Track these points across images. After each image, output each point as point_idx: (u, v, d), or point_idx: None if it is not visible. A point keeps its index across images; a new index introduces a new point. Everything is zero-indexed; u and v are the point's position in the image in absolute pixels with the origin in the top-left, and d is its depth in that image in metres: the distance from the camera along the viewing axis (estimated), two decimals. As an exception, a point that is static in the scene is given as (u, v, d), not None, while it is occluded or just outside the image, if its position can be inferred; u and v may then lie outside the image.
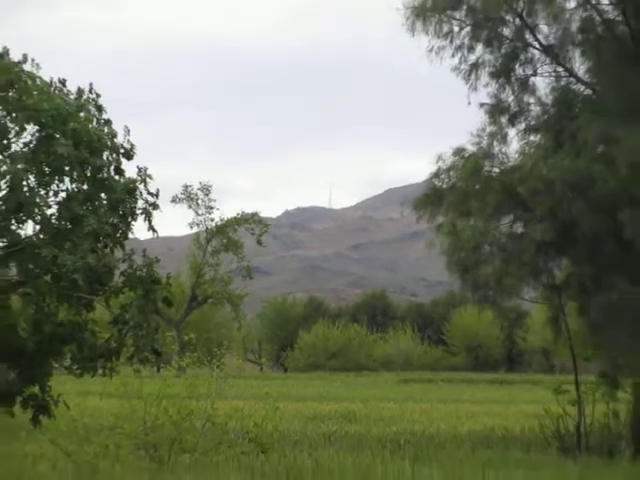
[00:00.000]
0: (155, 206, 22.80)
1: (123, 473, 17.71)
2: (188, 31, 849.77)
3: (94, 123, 22.03)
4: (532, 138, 30.23)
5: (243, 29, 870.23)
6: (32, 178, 21.23)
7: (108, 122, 22.39)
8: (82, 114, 21.79)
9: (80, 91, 22.37)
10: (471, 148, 29.63)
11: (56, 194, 21.72)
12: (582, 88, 30.57)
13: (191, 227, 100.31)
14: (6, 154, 21.08)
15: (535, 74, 30.70)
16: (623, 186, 25.54)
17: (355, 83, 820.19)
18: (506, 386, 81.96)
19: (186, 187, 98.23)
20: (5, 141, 21.11)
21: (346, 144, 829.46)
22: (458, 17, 29.83)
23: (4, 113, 21.14)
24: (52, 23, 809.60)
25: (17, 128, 21.28)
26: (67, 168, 21.52)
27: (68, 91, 22.21)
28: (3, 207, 20.79)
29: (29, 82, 21.53)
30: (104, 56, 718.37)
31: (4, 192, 20.81)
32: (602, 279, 27.78)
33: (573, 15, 29.93)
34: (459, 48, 30.05)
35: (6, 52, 21.77)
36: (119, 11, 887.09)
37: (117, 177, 22.24)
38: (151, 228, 22.85)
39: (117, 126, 22.55)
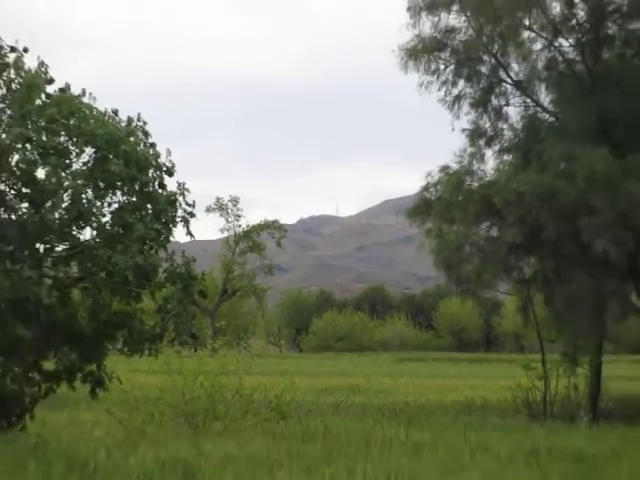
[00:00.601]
0: (192, 215, 22.69)
1: (166, 437, 17.70)
2: (222, 68, 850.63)
3: (141, 146, 21.95)
4: (505, 157, 30.29)
5: (269, 67, 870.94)
6: (90, 192, 21.16)
7: (153, 145, 22.31)
8: (131, 138, 21.71)
9: (130, 119, 22.28)
10: (454, 166, 29.68)
11: (110, 205, 21.63)
12: (547, 116, 30.58)
13: (222, 232, 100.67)
14: (68, 172, 21.00)
15: (508, 104, 30.76)
16: (581, 197, 25.52)
17: (360, 113, 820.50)
18: (484, 364, 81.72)
19: (218, 199, 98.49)
20: (67, 161, 21.05)
21: (351, 163, 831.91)
22: (443, 57, 29.87)
23: (67, 138, 21.09)
24: (106, 67, 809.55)
25: (77, 150, 21.20)
26: (119, 183, 21.45)
27: (120, 119, 22.14)
28: (66, 216, 20.73)
29: (87, 112, 21.46)
30: (151, 91, 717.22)
31: (66, 203, 20.77)
32: (564, 274, 27.74)
33: (539, 55, 30.01)
34: (444, 83, 30.11)
35: (68, 87, 21.71)
36: (164, 53, 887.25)
37: (160, 191, 22.15)
38: (189, 233, 22.75)
39: (160, 148, 22.50)
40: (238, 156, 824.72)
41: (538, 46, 29.82)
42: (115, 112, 22.30)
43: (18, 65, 21.36)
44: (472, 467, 13.14)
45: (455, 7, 29.32)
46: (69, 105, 21.25)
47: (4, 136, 20.28)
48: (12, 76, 21.29)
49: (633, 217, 25.49)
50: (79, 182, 20.91)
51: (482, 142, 30.44)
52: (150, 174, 21.95)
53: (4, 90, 21.23)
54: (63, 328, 21.30)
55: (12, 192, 20.87)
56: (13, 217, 20.86)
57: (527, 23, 28.81)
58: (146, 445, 15.44)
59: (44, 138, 20.72)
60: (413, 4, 29.66)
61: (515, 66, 30.25)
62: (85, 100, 21.84)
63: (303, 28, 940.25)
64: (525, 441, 16.61)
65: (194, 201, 22.99)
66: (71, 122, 21.06)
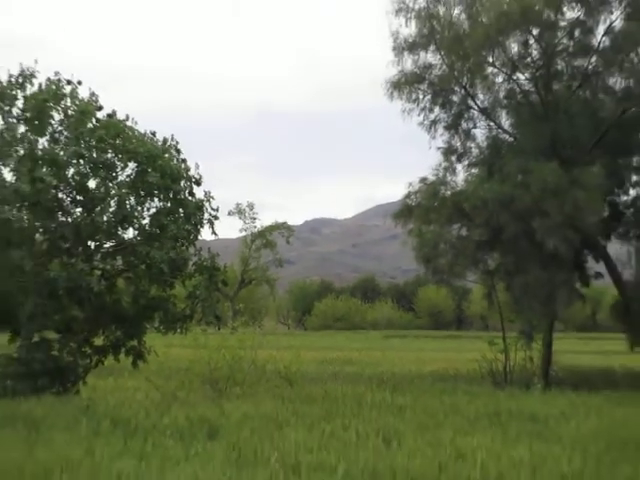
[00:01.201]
0: (216, 217, 22.73)
1: (194, 400, 17.74)
2: (243, 100, 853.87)
3: (174, 161, 21.98)
4: (473, 171, 30.27)
5: (284, 98, 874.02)
6: (132, 199, 21.20)
7: (184, 160, 22.35)
8: (166, 155, 21.77)
9: (165, 140, 22.33)
10: (431, 178, 29.66)
11: (148, 209, 21.68)
12: (507, 137, 30.60)
13: (240, 232, 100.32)
14: (114, 182, 21.08)
15: (475, 127, 30.78)
16: (535, 203, 25.56)
17: (357, 136, 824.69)
18: (455, 340, 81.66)
19: (237, 204, 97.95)
20: (114, 173, 21.12)
21: (348, 174, 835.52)
22: (422, 88, 29.85)
23: (113, 155, 21.14)
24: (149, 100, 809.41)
25: (122, 165, 21.26)
26: (156, 192, 21.49)
27: (157, 139, 22.19)
28: (112, 219, 20.79)
29: (130, 133, 21.51)
30: (190, 120, 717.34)
31: (113, 208, 20.83)
32: (521, 267, 27.72)
33: (500, 87, 30.08)
34: (423, 109, 30.08)
35: (114, 113, 21.77)
36: (196, 90, 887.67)
37: (190, 198, 22.17)
38: (213, 232, 22.80)
39: (190, 162, 22.55)
40: (255, 168, 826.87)
41: (500, 79, 29.88)
42: (153, 133, 22.35)
43: (73, 95, 21.42)
44: (446, 425, 13.18)
45: (431, 47, 29.33)
46: (115, 128, 21.31)
47: (62, 153, 20.34)
48: (68, 104, 21.35)
49: (578, 219, 25.57)
50: (123, 191, 20.97)
51: (454, 158, 30.46)
52: (182, 184, 22.00)
53: (62, 116, 21.30)
54: (110, 310, 21.36)
55: (68, 199, 20.94)
56: (69, 220, 20.93)
57: (490, 60, 28.81)
58: (178, 406, 15.49)
59: (95, 155, 20.78)
60: (397, 45, 29.69)
61: (481, 96, 30.27)
62: (128, 123, 21.92)
63: (315, 69, 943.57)
64: (489, 404, 16.65)
65: (218, 206, 23.07)
66: (117, 142, 21.12)
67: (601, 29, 28.76)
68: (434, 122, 30.28)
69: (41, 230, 20.97)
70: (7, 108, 21.02)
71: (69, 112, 21.35)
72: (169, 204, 21.83)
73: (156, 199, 21.78)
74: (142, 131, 22.06)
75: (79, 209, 21.06)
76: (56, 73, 21.45)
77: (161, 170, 21.19)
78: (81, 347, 21.08)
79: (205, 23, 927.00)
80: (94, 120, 21.41)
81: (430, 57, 29.67)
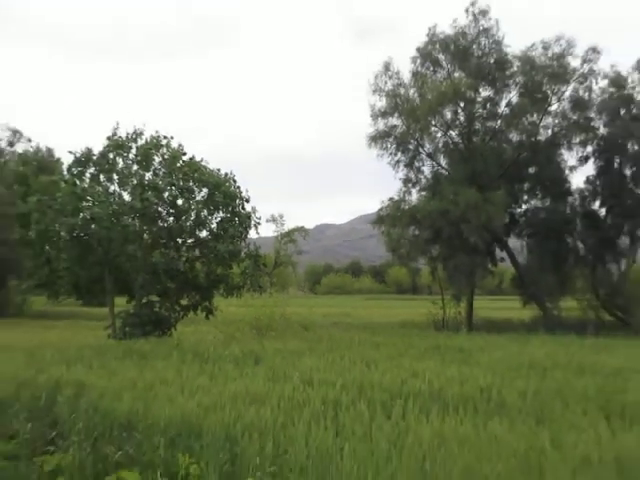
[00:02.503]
0: (259, 223, 22.72)
1: (245, 339, 17.74)
2: (268, 142, 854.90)
3: (232, 187, 21.99)
4: (422, 193, 30.20)
5: (296, 140, 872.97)
6: (205, 211, 21.23)
7: (238, 187, 22.36)
8: (227, 183, 21.77)
9: (226, 174, 22.36)
10: (396, 197, 29.71)
11: (216, 218, 21.72)
12: (444, 171, 30.52)
13: (274, 232, 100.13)
14: (194, 201, 21.14)
15: (423, 165, 30.78)
16: (462, 214, 25.53)
17: (352, 168, 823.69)
18: (411, 301, 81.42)
19: (272, 215, 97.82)
20: (193, 195, 21.18)
21: (344, 194, 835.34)
22: (390, 141, 29.85)
23: (193, 183, 21.19)
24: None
25: (198, 190, 21.30)
26: (220, 207, 21.51)
27: (220, 173, 22.21)
28: (193, 224, 20.86)
29: (203, 169, 21.56)
30: (244, 163, 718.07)
31: (193, 218, 20.87)
32: (453, 254, 27.69)
33: (440, 140, 30.11)
34: (390, 154, 30.07)
35: (193, 157, 21.81)
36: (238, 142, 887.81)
37: (242, 211, 22.18)
38: (257, 232, 22.82)
39: (242, 187, 22.54)
40: (286, 191, 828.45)
41: (439, 135, 29.94)
42: (218, 170, 22.38)
43: (168, 145, 21.51)
44: (405, 355, 13.15)
45: (396, 114, 29.39)
46: (194, 166, 21.36)
47: (160, 183, 20.38)
48: (165, 151, 21.41)
49: (489, 225, 25.76)
50: (199, 206, 21.01)
51: (410, 185, 30.45)
52: (237, 202, 22.01)
53: (160, 158, 21.37)
54: (191, 283, 21.39)
55: (164, 212, 20.99)
56: (165, 225, 20.98)
57: (433, 123, 28.83)
58: (235, 344, 15.47)
59: (181, 183, 20.82)
60: (374, 113, 29.84)
61: (427, 145, 30.32)
62: (203, 163, 21.95)
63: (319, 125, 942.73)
64: (433, 341, 16.60)
65: (260, 216, 23.10)
66: (195, 175, 21.14)
67: (504, 102, 28.98)
68: (397, 162, 30.27)
69: (147, 232, 21.02)
70: (125, 154, 21.19)
71: (165, 156, 21.41)
72: (229, 215, 21.84)
73: (220, 212, 21.80)
74: (211, 167, 22.12)
75: (171, 218, 21.11)
76: (157, 131, 21.56)
77: (223, 193, 21.19)
78: (173, 306, 21.13)
79: (263, 106, 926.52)
80: (181, 161, 21.46)
81: (395, 121, 29.74)
